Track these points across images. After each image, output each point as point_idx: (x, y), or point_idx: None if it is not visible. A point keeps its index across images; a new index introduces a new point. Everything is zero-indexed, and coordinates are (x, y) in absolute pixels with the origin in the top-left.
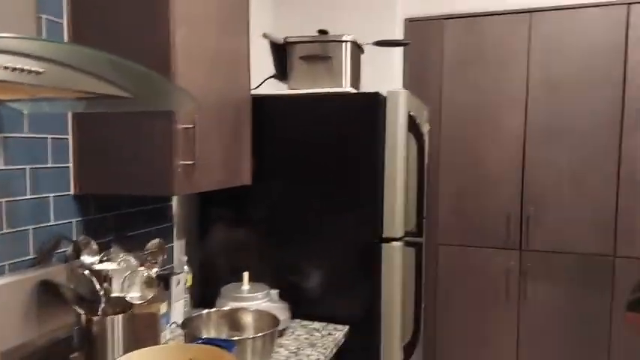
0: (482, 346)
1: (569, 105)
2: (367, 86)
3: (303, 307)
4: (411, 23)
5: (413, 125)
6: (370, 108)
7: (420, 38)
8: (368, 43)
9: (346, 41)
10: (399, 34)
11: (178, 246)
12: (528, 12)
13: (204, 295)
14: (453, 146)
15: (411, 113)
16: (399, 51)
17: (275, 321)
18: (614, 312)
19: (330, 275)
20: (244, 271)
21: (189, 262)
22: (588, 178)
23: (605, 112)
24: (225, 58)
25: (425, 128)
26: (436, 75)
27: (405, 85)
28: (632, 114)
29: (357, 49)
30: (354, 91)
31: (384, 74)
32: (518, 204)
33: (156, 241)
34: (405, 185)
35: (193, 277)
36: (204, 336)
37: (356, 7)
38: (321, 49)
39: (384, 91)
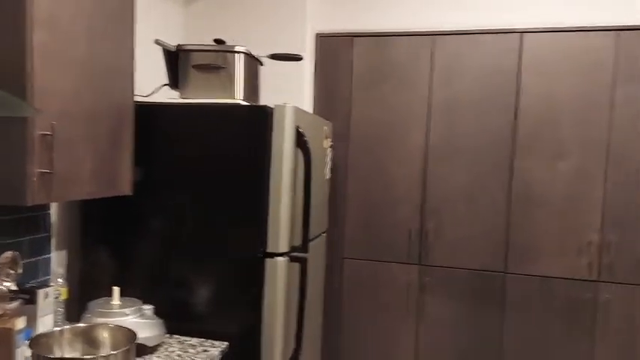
0: (384, 359)
1: (466, 125)
2: (274, 100)
3: (184, 323)
4: (321, 38)
5: (300, 140)
6: (256, 121)
7: (331, 54)
8: (262, 56)
9: (239, 52)
10: (309, 49)
11: (56, 257)
12: (431, 35)
13: (82, 309)
14: (362, 161)
15: (300, 128)
16: (309, 66)
17: (132, 337)
18: (505, 327)
19: (212, 290)
20: (126, 284)
21: (69, 274)
22: (482, 196)
23: (498, 134)
24: (100, 65)
25: (327, 143)
26: (346, 91)
27: (315, 101)
28: (522, 137)
29: (254, 60)
30: (244, 103)
31: (294, 89)
32: (419, 219)
33: (8, 253)
34: (291, 200)
35: (70, 291)
36: (56, 355)
37: (266, 20)
38: (214, 59)
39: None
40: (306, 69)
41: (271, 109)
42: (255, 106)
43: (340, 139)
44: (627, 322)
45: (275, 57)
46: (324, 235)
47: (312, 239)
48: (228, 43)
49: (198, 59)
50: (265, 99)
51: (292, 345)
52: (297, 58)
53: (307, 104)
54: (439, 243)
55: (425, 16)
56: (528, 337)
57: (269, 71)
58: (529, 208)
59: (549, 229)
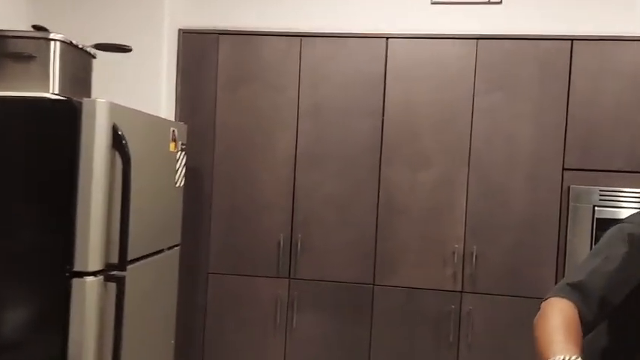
0: None
1: (336, 131)
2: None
3: None
4: (185, 35)
5: (118, 141)
6: (61, 118)
7: (195, 52)
8: (88, 46)
9: (55, 40)
10: (171, 46)
11: None
12: (299, 36)
13: None
14: (228, 168)
15: (118, 127)
16: (167, 64)
17: None
18: (374, 341)
19: (11, 316)
20: None
21: None
22: (351, 206)
23: (366, 141)
24: None
25: (175, 147)
26: (211, 92)
27: (178, 102)
28: (389, 144)
29: (78, 51)
30: (51, 96)
31: (151, 89)
32: (289, 230)
33: None
34: (104, 211)
35: None
36: None
37: (124, 14)
38: (25, 47)
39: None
40: (163, 67)
41: (79, 103)
42: (59, 100)
43: (204, 143)
44: (489, 332)
45: (100, 47)
46: (177, 248)
47: (148, 255)
48: (80, 39)
49: (8, 47)
50: (116, 98)
51: None
52: (125, 49)
53: (165, 105)
54: (308, 255)
55: (293, 16)
56: (396, 350)
57: (121, 68)
58: (394, 218)
59: (413, 239)
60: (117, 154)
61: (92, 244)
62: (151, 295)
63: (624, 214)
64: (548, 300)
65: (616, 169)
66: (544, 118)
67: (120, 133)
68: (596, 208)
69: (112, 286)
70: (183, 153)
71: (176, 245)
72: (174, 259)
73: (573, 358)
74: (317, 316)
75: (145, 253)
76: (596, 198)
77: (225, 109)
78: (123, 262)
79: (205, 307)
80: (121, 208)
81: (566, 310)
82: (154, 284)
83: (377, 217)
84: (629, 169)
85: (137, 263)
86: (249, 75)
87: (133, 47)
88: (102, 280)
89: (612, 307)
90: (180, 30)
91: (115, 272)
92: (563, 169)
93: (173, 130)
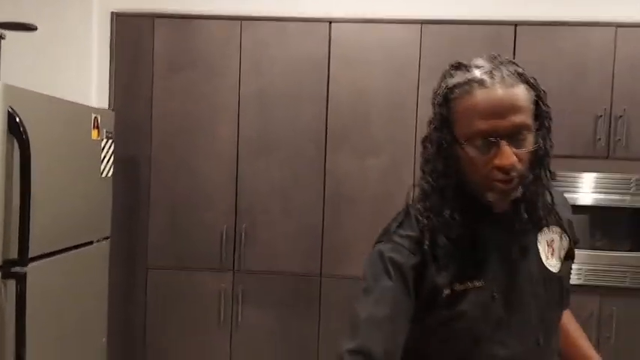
0: None
1: (278, 118)
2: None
3: None
4: (119, 18)
5: (14, 126)
6: None
7: (130, 36)
8: None
9: None
10: (103, 30)
11: None
12: (239, 19)
13: None
14: (166, 157)
15: (15, 110)
16: (99, 48)
17: None
18: (322, 332)
19: None
20: None
21: None
22: (297, 195)
23: (310, 128)
24: None
25: (98, 135)
26: (147, 78)
27: (111, 88)
28: (334, 130)
29: None
30: None
31: (79, 73)
32: (232, 221)
33: None
34: (2, 201)
35: None
36: None
37: None
38: None
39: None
40: (93, 52)
41: None
42: None
43: (140, 132)
44: None
45: (4, 26)
46: (106, 242)
47: (68, 249)
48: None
49: None
50: (41, 84)
51: None
52: (29, 27)
53: (96, 92)
54: (253, 246)
55: None
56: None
57: (49, 53)
58: (342, 206)
59: (362, 228)
60: (15, 140)
61: None
62: (74, 290)
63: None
64: None
65: (562, 155)
66: None
67: (17, 117)
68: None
69: (10, 283)
70: (110, 141)
71: (105, 238)
72: (103, 253)
73: None
74: (263, 310)
75: (63, 247)
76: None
77: (163, 96)
78: (24, 258)
79: (145, 304)
80: (20, 198)
81: None
82: (78, 278)
83: (323, 206)
84: (574, 155)
85: (55, 257)
86: (188, 60)
87: (61, 31)
88: None
89: (399, 352)
90: (112, 13)
91: (15, 268)
92: None
93: (95, 117)
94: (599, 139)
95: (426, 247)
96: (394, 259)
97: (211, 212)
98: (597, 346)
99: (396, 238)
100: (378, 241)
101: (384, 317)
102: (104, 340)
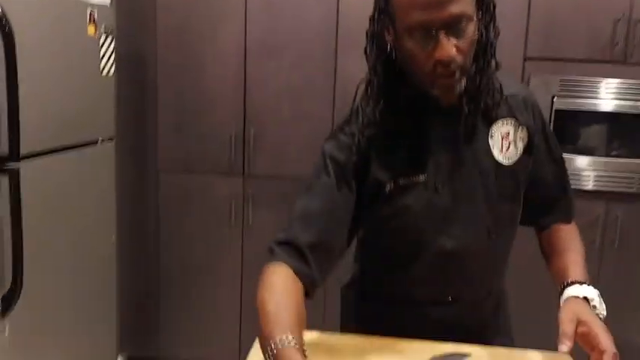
0: (207, 274)
1: (286, 18)
2: None
3: None
4: None
5: None
6: None
7: None
8: None
9: None
10: None
11: None
12: None
13: None
14: (173, 57)
15: None
16: None
17: None
18: None
19: None
20: None
21: None
22: (307, 99)
23: (320, 29)
24: None
25: (95, 31)
26: None
27: None
28: (345, 31)
29: None
30: None
31: None
32: (241, 125)
33: None
34: None
35: None
36: None
37: None
38: None
39: None
40: None
41: None
42: None
43: (144, 28)
44: None
45: None
46: (110, 142)
47: (68, 148)
48: None
49: None
50: None
51: (9, 275)
52: None
53: None
54: (262, 150)
55: None
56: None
57: None
58: None
59: None
60: None
61: None
62: (79, 190)
63: (584, 105)
64: (264, 270)
65: (579, 59)
66: (504, 6)
67: None
68: (555, 98)
69: (5, 180)
70: (111, 38)
71: (110, 139)
72: (108, 153)
73: (284, 340)
74: (273, 213)
75: (63, 145)
76: (555, 88)
77: None
78: (14, 153)
79: (157, 206)
80: (7, 91)
81: (280, 279)
82: (83, 178)
83: (333, 110)
84: (592, 59)
85: (54, 155)
86: None
87: None
88: None
89: (339, 250)
90: None
91: (8, 164)
92: (525, 58)
93: (91, 12)
94: (617, 43)
95: (361, 142)
96: (334, 156)
97: (220, 115)
98: (601, 250)
99: (340, 135)
100: (326, 139)
101: (315, 211)
102: (113, 238)
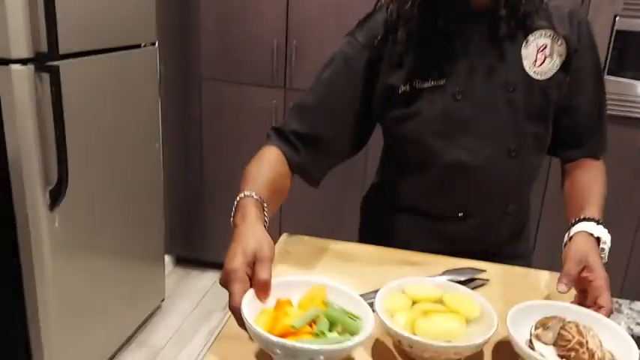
0: None
1: None
2: None
3: None
4: None
5: None
6: None
7: None
8: None
9: None
10: None
11: None
12: None
13: None
14: None
15: None
16: None
17: None
18: (370, 156)
19: None
20: None
21: None
22: (351, 12)
23: None
24: None
25: None
26: None
27: None
28: None
29: None
30: None
31: None
32: (284, 36)
33: None
34: None
35: None
36: None
37: None
38: None
39: None
40: None
41: None
42: None
43: None
44: None
45: None
46: (152, 47)
47: (104, 50)
48: None
49: None
50: None
51: (55, 170)
52: None
53: None
54: (304, 63)
55: None
56: None
57: None
58: None
59: None
60: None
61: (13, 27)
62: (121, 93)
63: None
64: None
65: None
66: None
67: None
68: (617, 18)
69: (44, 77)
70: None
71: (152, 44)
72: (150, 58)
73: (246, 193)
74: None
75: (104, 47)
76: (619, 7)
77: None
78: (54, 51)
79: (200, 115)
80: None
81: (266, 156)
82: (124, 82)
83: None
84: None
85: (95, 56)
86: None
87: None
88: (32, 69)
89: (337, 145)
90: None
91: (48, 63)
92: None
93: None
94: None
95: (376, 42)
96: (345, 52)
97: (262, 25)
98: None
99: (357, 33)
100: (344, 35)
101: (309, 104)
102: (157, 145)
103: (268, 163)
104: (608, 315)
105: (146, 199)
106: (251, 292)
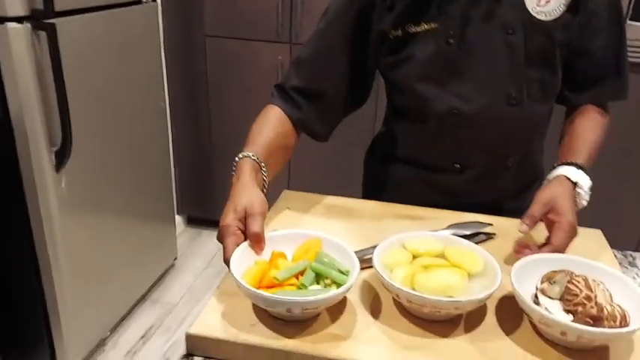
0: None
1: None
2: None
3: None
4: None
5: None
6: None
7: None
8: None
9: None
10: None
11: None
12: None
13: None
14: None
15: None
16: None
17: None
18: (379, 111)
19: None
20: None
21: None
22: None
23: None
24: None
25: None
26: None
27: None
28: None
29: None
30: None
31: None
32: None
33: None
34: None
35: None
36: None
37: None
38: None
39: None
40: None
41: None
42: None
43: None
44: None
45: None
46: (154, 3)
47: (105, 7)
48: None
49: None
50: None
51: (59, 131)
52: None
53: None
54: (310, 17)
55: None
56: None
57: None
58: None
59: None
60: None
61: None
62: (123, 50)
63: None
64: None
65: None
66: None
67: None
68: None
69: (41, 35)
70: None
71: (153, 0)
72: (151, 15)
73: (244, 154)
74: None
75: (103, 3)
76: None
77: None
78: (49, 7)
79: (206, 71)
80: None
81: (269, 115)
82: (126, 39)
83: None
84: None
85: (95, 13)
86: None
87: None
88: (30, 27)
89: (338, 98)
90: None
91: (44, 20)
92: None
93: None
94: None
95: None
96: (338, 1)
97: None
98: None
99: None
100: None
101: (305, 58)
102: (163, 104)
103: (269, 123)
104: (552, 251)
105: (154, 160)
106: (245, 244)
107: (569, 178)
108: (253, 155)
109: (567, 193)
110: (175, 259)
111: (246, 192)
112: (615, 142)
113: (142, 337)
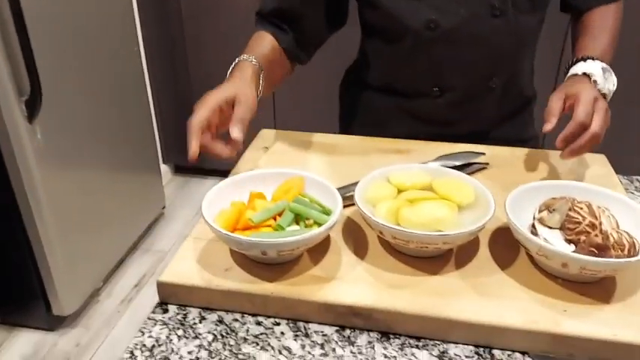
0: None
1: None
2: None
3: None
4: None
5: None
6: None
7: None
8: None
9: None
10: None
11: None
12: None
13: None
14: None
15: None
16: None
17: None
18: None
19: None
20: None
21: None
22: None
23: None
24: None
25: None
26: None
27: None
28: None
29: None
30: None
31: None
32: None
33: None
34: None
35: None
36: None
37: None
38: None
39: None
40: None
41: None
42: None
43: None
44: None
45: None
46: None
47: None
48: None
49: None
50: None
51: (27, 79)
52: None
53: None
54: None
55: None
56: None
57: None
58: None
59: None
60: None
61: None
62: None
63: None
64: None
65: None
66: None
67: None
68: None
69: None
70: None
71: None
72: None
73: (245, 57)
74: None
75: None
76: None
77: None
78: None
79: (180, 14)
80: None
81: (261, 37)
82: None
83: None
84: None
85: None
86: None
87: None
88: None
89: (314, 19)
90: None
91: None
92: None
93: None
94: None
95: None
96: None
97: None
98: None
99: None
100: None
101: None
102: (136, 49)
103: (265, 40)
104: (576, 126)
105: (132, 107)
106: (221, 184)
107: (577, 74)
108: (254, 60)
109: (580, 83)
110: (164, 207)
111: (242, 83)
112: (620, 67)
113: (136, 285)
